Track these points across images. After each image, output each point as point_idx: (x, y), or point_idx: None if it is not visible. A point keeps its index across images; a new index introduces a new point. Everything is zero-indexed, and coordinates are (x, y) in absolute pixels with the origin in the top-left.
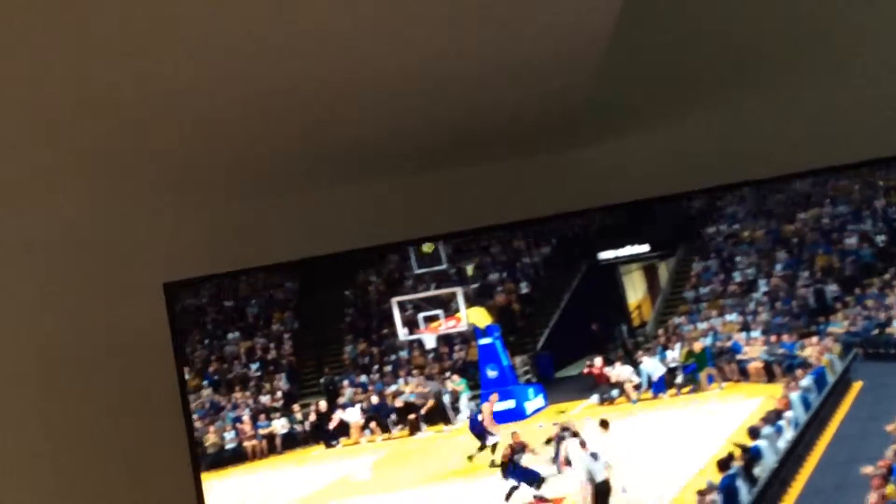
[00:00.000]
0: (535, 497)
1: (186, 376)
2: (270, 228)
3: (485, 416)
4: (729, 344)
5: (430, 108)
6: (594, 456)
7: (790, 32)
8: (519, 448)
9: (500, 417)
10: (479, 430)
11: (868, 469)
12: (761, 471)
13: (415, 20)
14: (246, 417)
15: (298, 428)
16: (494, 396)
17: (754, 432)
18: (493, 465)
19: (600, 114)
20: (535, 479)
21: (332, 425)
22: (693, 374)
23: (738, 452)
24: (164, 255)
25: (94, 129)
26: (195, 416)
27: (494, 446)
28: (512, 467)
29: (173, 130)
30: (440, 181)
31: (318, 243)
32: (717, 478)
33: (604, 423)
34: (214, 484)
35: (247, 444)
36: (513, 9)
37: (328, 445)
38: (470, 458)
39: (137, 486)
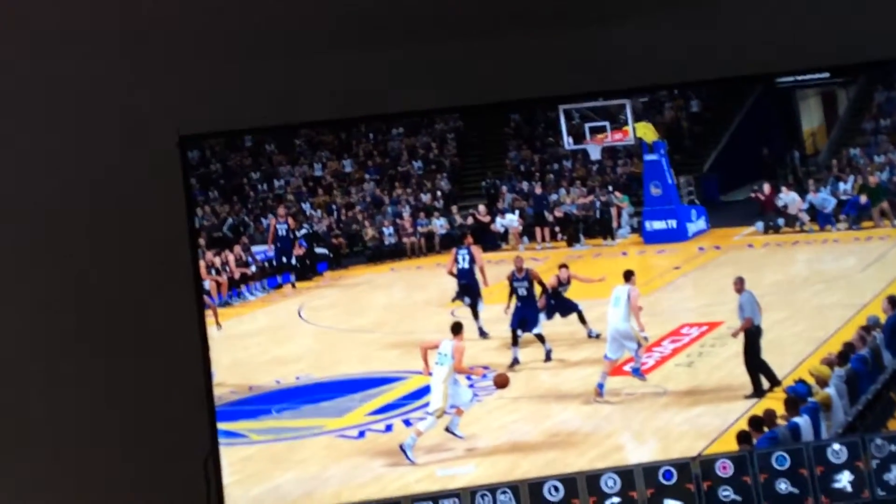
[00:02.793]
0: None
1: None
2: None
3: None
4: None
5: None
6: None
7: None
8: (566, 280)
9: (659, 237)
10: (468, 280)
11: None
12: None
13: None
14: (406, 214)
15: (457, 229)
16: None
17: None
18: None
19: None
20: (573, 309)
21: (491, 228)
22: (866, 208)
23: None
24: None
25: None
26: (358, 209)
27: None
28: (552, 300)
29: None
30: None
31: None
32: (883, 315)
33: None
34: (372, 277)
35: (406, 240)
36: None
37: (486, 249)
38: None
39: (144, 328)
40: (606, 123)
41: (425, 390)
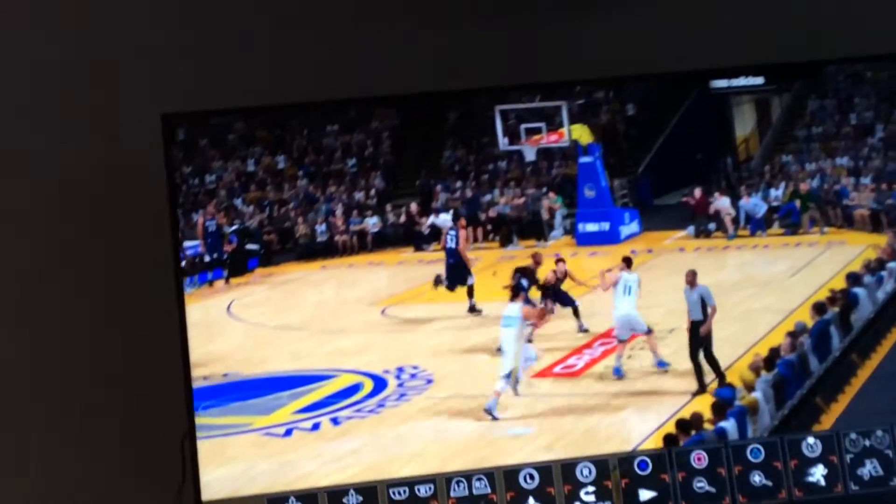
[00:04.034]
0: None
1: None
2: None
3: (460, 244)
4: (836, 188)
5: None
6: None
7: None
8: (562, 275)
9: (591, 239)
10: (455, 259)
11: None
12: (857, 319)
13: None
14: (339, 212)
15: (390, 228)
16: (462, 221)
17: (853, 279)
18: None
19: None
20: (570, 304)
21: (423, 229)
22: (795, 214)
23: (835, 298)
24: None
25: None
26: (291, 206)
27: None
28: (550, 294)
29: None
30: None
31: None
32: (810, 321)
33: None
34: (303, 274)
35: (338, 238)
36: None
37: (418, 248)
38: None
39: (127, 310)
40: (542, 125)
41: (354, 388)
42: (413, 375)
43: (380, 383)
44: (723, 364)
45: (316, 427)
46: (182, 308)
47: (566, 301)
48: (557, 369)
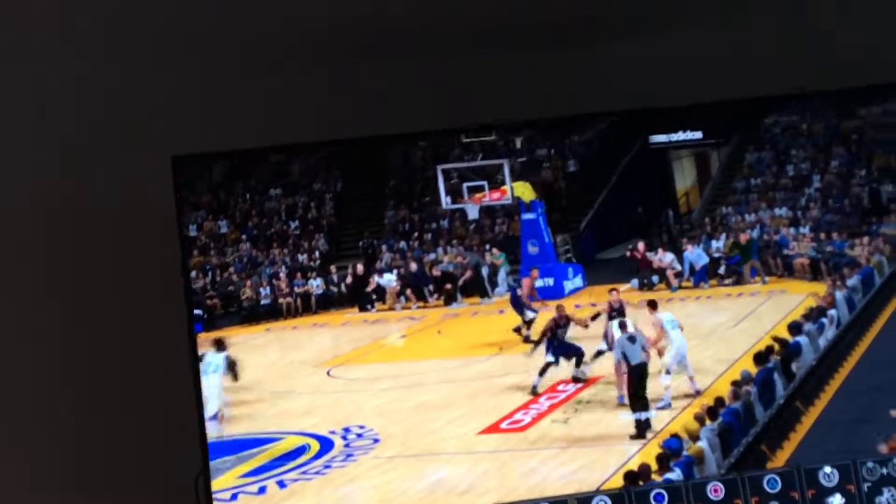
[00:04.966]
0: (573, 377)
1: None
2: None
3: (523, 290)
4: (776, 238)
5: None
6: (632, 339)
7: None
8: (564, 322)
9: (537, 294)
10: (518, 305)
11: None
12: (799, 367)
13: None
14: (282, 274)
15: (334, 289)
16: (535, 272)
17: (795, 328)
18: (527, 340)
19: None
20: (575, 353)
21: (368, 289)
22: (737, 265)
23: (776, 347)
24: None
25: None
26: (232, 270)
27: (531, 322)
28: (554, 342)
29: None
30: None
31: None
32: (753, 370)
33: (652, 304)
34: (246, 338)
35: (282, 300)
36: None
37: (362, 309)
38: (515, 330)
39: (135, 345)
40: (484, 183)
41: (300, 450)
42: (359, 435)
43: (326, 444)
44: (671, 414)
45: (262, 491)
46: (195, 350)
47: (570, 350)
48: (504, 425)
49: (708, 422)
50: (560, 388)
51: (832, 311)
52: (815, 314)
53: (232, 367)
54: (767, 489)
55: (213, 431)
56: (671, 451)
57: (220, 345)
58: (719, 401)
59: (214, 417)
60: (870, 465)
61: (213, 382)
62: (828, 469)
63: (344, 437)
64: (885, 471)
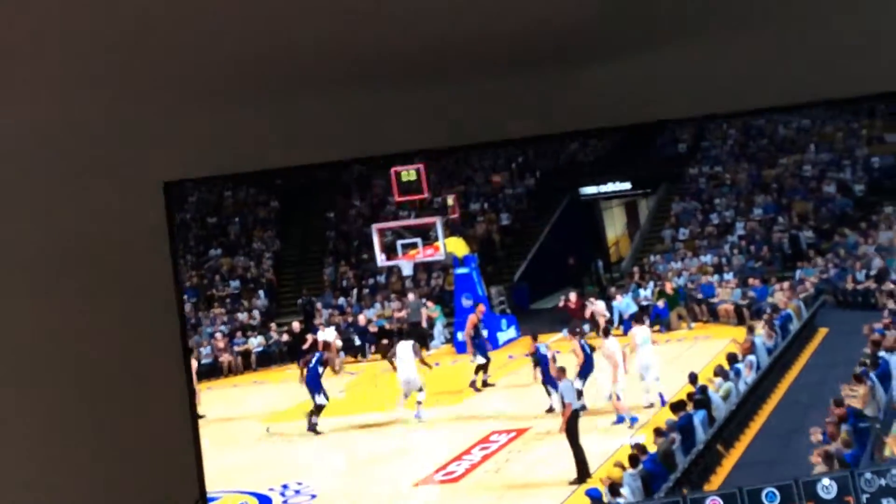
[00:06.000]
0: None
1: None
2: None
3: (467, 328)
4: (701, 285)
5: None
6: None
7: None
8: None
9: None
10: (463, 349)
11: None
12: (719, 413)
13: None
14: (221, 334)
15: (274, 346)
16: (480, 307)
17: (718, 373)
18: (485, 385)
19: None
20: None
21: (307, 345)
22: (664, 312)
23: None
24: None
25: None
26: None
27: (484, 367)
28: (477, 339)
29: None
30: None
31: (311, 153)
32: (675, 417)
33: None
34: None
35: (222, 359)
36: None
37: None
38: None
39: (127, 370)
40: (418, 240)
41: None
42: (297, 492)
43: (264, 501)
44: (599, 460)
45: None
46: (190, 379)
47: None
48: (438, 477)
49: (630, 469)
50: (493, 438)
51: (751, 357)
52: (732, 360)
53: None
54: None
55: None
56: (595, 500)
57: None
58: (640, 448)
59: None
60: (868, 476)
61: None
62: (826, 481)
63: (282, 494)
64: (883, 482)
